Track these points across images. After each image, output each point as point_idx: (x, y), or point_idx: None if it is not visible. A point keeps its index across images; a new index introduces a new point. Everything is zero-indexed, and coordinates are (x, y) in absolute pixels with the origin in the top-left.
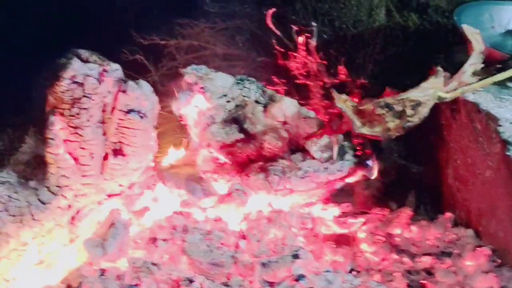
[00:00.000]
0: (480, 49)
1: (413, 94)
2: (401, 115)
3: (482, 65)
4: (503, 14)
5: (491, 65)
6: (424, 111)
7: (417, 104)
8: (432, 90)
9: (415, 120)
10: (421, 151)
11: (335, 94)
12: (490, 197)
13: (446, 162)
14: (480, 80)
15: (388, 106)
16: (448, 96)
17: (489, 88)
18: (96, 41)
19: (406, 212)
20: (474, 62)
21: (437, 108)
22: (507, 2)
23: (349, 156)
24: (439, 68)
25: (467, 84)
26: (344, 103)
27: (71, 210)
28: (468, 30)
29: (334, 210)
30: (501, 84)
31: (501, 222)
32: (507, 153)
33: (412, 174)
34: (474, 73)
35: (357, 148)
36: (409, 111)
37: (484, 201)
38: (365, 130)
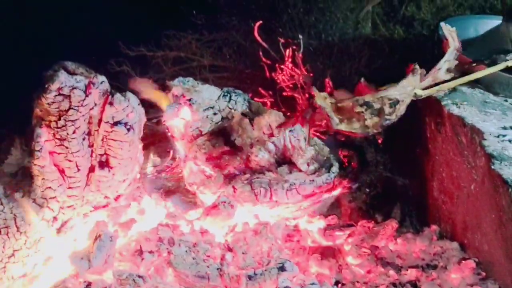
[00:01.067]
0: (455, 46)
1: (392, 92)
2: (379, 112)
3: (456, 62)
4: (488, 27)
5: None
6: (401, 108)
7: (395, 102)
8: (410, 87)
9: (393, 117)
10: (407, 163)
11: (315, 91)
12: (475, 210)
13: (431, 175)
14: (454, 78)
15: (367, 104)
16: (424, 94)
17: (474, 102)
18: (83, 52)
19: (392, 225)
20: (449, 59)
21: (422, 121)
22: (492, 16)
23: (335, 168)
24: (416, 66)
25: (441, 81)
26: (323, 100)
27: (56, 222)
28: (445, 27)
29: (320, 223)
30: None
31: (486, 235)
32: (492, 167)
33: (397, 187)
34: (449, 70)
35: (343, 160)
36: (387, 109)
37: (469, 214)
38: (343, 127)
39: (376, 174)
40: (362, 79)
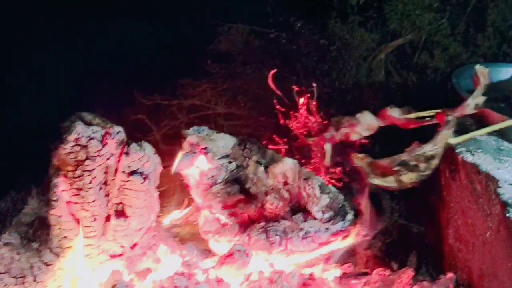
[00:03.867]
0: (485, 83)
1: (427, 148)
2: (414, 169)
3: (484, 99)
4: (501, 75)
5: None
6: (435, 162)
7: (430, 157)
8: (444, 141)
9: (428, 172)
10: (422, 211)
11: (354, 155)
12: (491, 258)
13: (446, 222)
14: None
15: (403, 163)
16: (457, 142)
17: (488, 149)
18: (99, 101)
19: (408, 273)
20: (477, 96)
21: (437, 168)
22: (505, 64)
23: (350, 216)
24: (450, 118)
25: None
26: (361, 160)
27: (73, 271)
28: (479, 68)
29: (335, 271)
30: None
31: (503, 284)
32: (507, 215)
33: (413, 234)
34: (476, 107)
35: (359, 208)
36: (422, 165)
37: (485, 262)
38: (378, 181)
39: (391, 221)
40: (390, 107)
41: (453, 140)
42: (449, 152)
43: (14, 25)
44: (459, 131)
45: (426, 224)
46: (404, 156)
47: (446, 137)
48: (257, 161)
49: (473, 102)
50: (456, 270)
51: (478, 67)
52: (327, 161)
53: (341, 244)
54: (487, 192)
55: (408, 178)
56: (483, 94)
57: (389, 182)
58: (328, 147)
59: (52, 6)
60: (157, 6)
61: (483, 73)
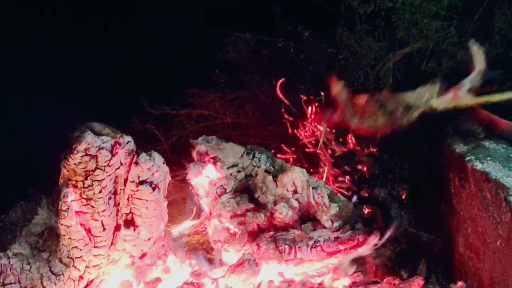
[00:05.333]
0: (480, 68)
1: (408, 97)
2: (391, 113)
3: (479, 83)
4: None
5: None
6: (413, 115)
7: (408, 107)
8: (426, 96)
9: (403, 121)
10: (432, 219)
11: (334, 80)
12: (502, 266)
13: (456, 230)
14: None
15: (381, 103)
16: (439, 106)
17: (497, 157)
18: (109, 111)
19: (418, 281)
20: (472, 79)
21: (446, 176)
22: None
23: (359, 225)
24: (437, 79)
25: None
26: (340, 90)
27: (82, 281)
28: (474, 45)
29: (345, 280)
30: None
31: None
32: None
33: (423, 243)
34: (470, 90)
35: (368, 216)
36: (399, 112)
37: (496, 270)
38: (356, 121)
39: (401, 230)
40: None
41: (437, 104)
42: (459, 160)
43: (27, 36)
44: (466, 137)
45: (435, 233)
46: (382, 97)
47: (429, 92)
48: (266, 170)
49: (467, 85)
50: (467, 278)
51: (472, 42)
52: (321, 141)
53: (350, 253)
54: (497, 200)
55: (383, 121)
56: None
57: (366, 124)
58: (324, 126)
59: (64, 16)
60: (166, 17)
61: (479, 55)
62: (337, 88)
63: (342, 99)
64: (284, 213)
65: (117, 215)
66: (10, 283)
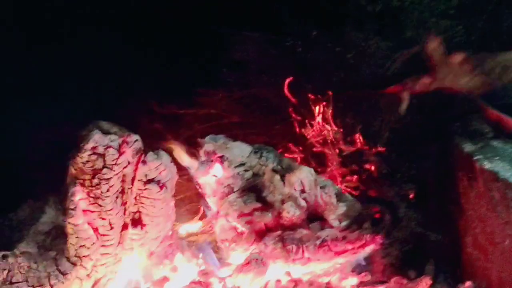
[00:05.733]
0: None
1: (507, 57)
2: (488, 73)
3: None
4: None
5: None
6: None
7: (506, 67)
8: None
9: (502, 80)
10: (440, 219)
11: (431, 36)
12: (510, 266)
13: (464, 230)
14: None
15: (479, 62)
16: None
17: (506, 157)
18: (116, 110)
19: (426, 281)
20: None
21: (454, 176)
22: None
23: (367, 224)
24: None
25: None
26: (436, 48)
27: (90, 280)
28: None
29: (352, 280)
30: None
31: None
32: None
33: (431, 242)
34: None
35: (376, 216)
36: (496, 72)
37: (504, 270)
38: (449, 80)
39: (408, 229)
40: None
41: None
42: (467, 159)
43: (34, 35)
44: (475, 137)
45: (443, 232)
46: (481, 56)
47: None
48: (273, 169)
49: None
50: (475, 278)
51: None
52: (402, 110)
53: (358, 252)
54: (505, 199)
55: (481, 81)
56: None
57: (460, 84)
58: (406, 95)
59: (69, 12)
60: (173, 15)
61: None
62: (434, 45)
63: (437, 57)
64: (291, 213)
65: (124, 214)
66: (18, 282)
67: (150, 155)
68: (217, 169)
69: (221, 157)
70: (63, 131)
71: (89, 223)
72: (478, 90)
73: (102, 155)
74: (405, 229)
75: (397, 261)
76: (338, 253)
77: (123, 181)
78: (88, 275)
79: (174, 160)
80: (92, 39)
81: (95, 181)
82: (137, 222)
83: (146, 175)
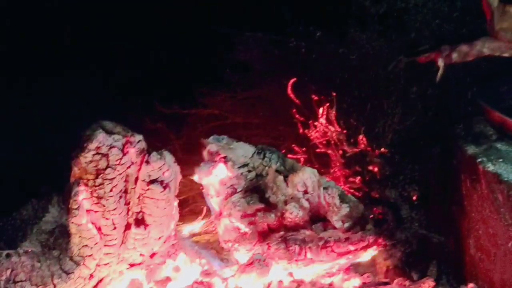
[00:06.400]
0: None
1: None
2: None
3: None
4: None
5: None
6: None
7: None
8: None
9: None
10: (442, 221)
11: None
12: None
13: (467, 232)
14: None
15: None
16: None
17: (509, 159)
18: (119, 110)
19: (428, 283)
20: None
21: (457, 178)
22: None
23: (370, 225)
24: None
25: None
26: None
27: (93, 279)
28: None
29: (355, 281)
30: None
31: None
32: None
33: (433, 244)
34: None
35: (379, 217)
36: None
37: (506, 272)
38: (503, 34)
39: (411, 231)
40: None
41: None
42: (470, 161)
43: (38, 37)
44: (478, 139)
45: (446, 234)
46: None
47: None
48: (276, 170)
49: None
50: (477, 280)
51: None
52: (439, 77)
53: (361, 254)
54: (508, 201)
55: None
56: None
57: None
58: (441, 63)
59: (74, 15)
60: (177, 15)
61: None
62: None
63: (493, 7)
64: (294, 213)
65: (127, 214)
66: (21, 281)
67: (154, 155)
68: (221, 170)
69: (224, 157)
70: (67, 131)
71: (92, 223)
72: None
73: (106, 155)
74: (408, 230)
75: (400, 263)
76: (341, 254)
77: (126, 181)
78: (91, 275)
79: (178, 160)
80: (96, 40)
81: (99, 181)
82: (140, 222)
83: (149, 175)
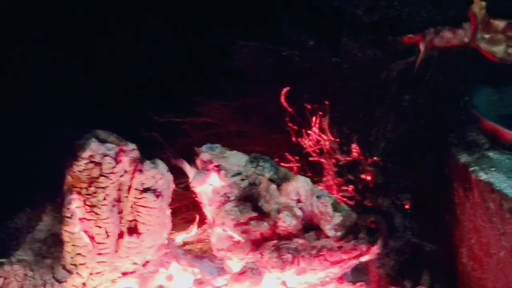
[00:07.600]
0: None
1: None
2: None
3: None
4: None
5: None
6: None
7: None
8: None
9: None
10: (435, 229)
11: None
12: (505, 278)
13: (460, 241)
14: None
15: None
16: None
17: (501, 168)
18: (113, 119)
19: None
20: None
21: (450, 187)
22: None
23: (362, 234)
24: None
25: None
26: (480, 10)
27: None
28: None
29: None
30: None
31: None
32: None
33: (426, 253)
34: None
35: (372, 226)
36: None
37: (499, 281)
38: (483, 45)
39: (404, 240)
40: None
41: None
42: (463, 170)
43: (33, 43)
44: (471, 148)
45: (439, 243)
46: None
47: None
48: (269, 179)
49: None
50: None
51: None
52: (418, 62)
53: (354, 262)
54: (501, 210)
55: None
56: None
57: (495, 51)
58: (423, 47)
59: (68, 22)
60: (170, 24)
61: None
62: (478, 6)
63: (478, 18)
64: (287, 222)
65: (120, 222)
66: None
67: (147, 164)
68: (214, 178)
69: (217, 166)
70: (60, 139)
71: (85, 231)
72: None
73: (99, 164)
74: (401, 239)
75: (392, 271)
76: (333, 263)
77: (119, 189)
78: (84, 283)
79: (171, 169)
80: (88, 48)
81: (92, 189)
82: (133, 230)
83: (142, 184)
